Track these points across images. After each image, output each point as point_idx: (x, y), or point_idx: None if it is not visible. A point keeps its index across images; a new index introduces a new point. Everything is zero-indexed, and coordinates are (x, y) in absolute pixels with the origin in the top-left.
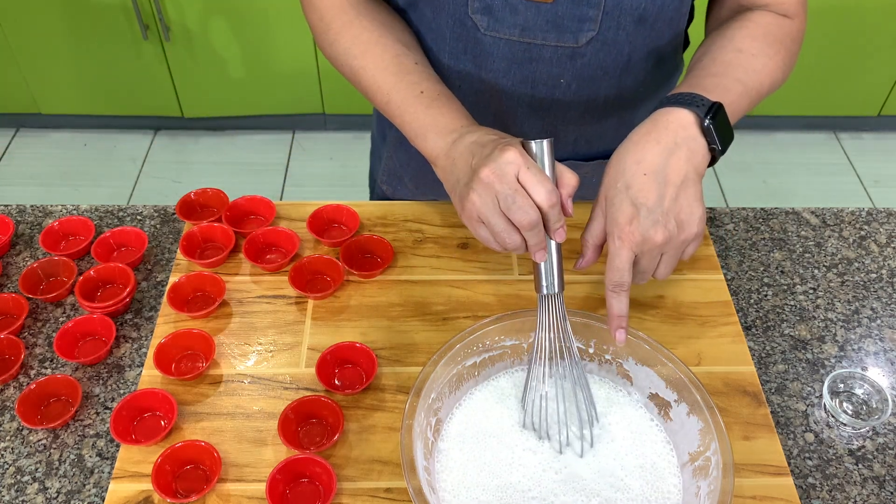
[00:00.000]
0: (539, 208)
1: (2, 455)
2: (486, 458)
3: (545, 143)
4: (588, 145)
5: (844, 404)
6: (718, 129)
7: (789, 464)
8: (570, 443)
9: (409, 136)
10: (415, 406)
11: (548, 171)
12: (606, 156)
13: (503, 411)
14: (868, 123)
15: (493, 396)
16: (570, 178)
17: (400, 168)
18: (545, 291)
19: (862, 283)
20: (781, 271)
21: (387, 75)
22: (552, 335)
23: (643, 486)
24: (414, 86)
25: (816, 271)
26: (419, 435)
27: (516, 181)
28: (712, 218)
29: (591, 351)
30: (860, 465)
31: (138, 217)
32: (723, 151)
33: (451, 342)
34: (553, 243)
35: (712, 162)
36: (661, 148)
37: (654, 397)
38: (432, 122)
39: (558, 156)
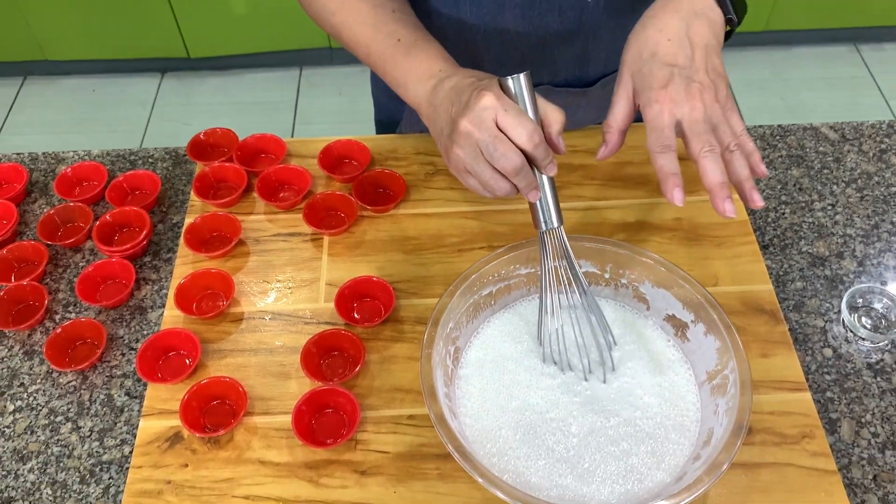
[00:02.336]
0: (523, 150)
1: (35, 397)
2: (505, 381)
3: (522, 77)
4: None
5: (863, 319)
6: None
7: (807, 379)
8: (593, 370)
9: (393, 87)
10: (433, 336)
11: (528, 108)
12: None
13: (521, 337)
14: (891, 34)
15: (511, 323)
16: (556, 116)
17: (423, 127)
18: (544, 228)
19: (882, 197)
20: (799, 188)
21: (364, 28)
22: (558, 269)
23: (661, 405)
24: (391, 35)
25: (835, 187)
26: (438, 363)
27: (495, 127)
28: None
29: (606, 276)
30: (878, 378)
31: (150, 160)
32: (739, 23)
33: (466, 273)
34: (545, 178)
35: (728, 35)
36: (681, 16)
37: (670, 319)
38: (411, 70)
39: (591, 76)
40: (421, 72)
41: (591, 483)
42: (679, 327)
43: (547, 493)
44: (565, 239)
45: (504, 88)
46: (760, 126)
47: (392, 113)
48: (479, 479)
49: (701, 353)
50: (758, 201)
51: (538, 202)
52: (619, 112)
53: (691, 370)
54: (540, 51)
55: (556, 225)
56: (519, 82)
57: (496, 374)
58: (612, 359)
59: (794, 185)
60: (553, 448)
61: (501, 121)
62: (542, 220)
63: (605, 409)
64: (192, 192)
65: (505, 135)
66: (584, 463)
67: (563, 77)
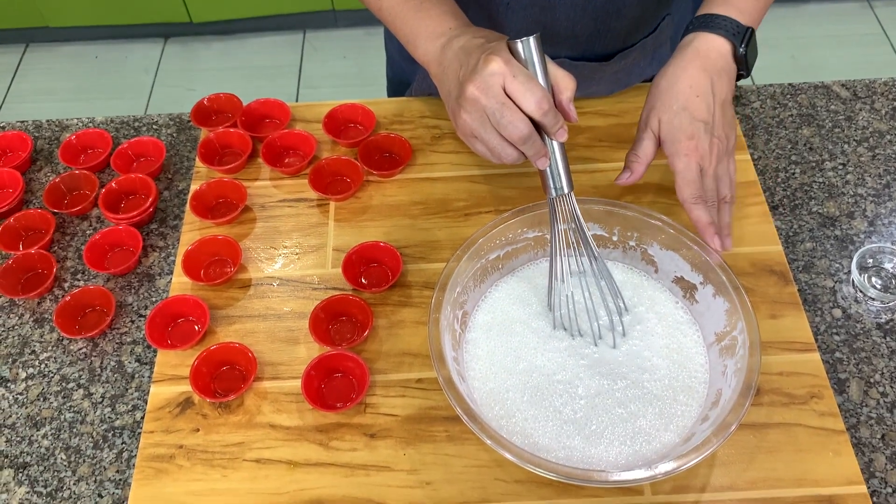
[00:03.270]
0: (531, 117)
1: (46, 364)
2: (513, 344)
3: (531, 40)
4: (638, 30)
5: (873, 279)
6: (749, 53)
7: (816, 340)
8: (603, 336)
9: (403, 44)
10: (440, 300)
11: (538, 73)
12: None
13: (528, 300)
14: None
15: (518, 287)
16: (567, 82)
17: (435, 89)
18: (554, 194)
19: (894, 156)
20: (810, 148)
21: None
22: (568, 234)
23: (670, 366)
24: None
25: (846, 146)
26: (446, 327)
27: (503, 94)
28: (738, 96)
29: (614, 238)
30: (888, 338)
31: (154, 126)
32: (748, 75)
33: (473, 237)
34: (555, 144)
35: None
36: (708, 74)
37: (679, 281)
38: (422, 27)
39: (608, 51)
40: (431, 29)
41: (599, 445)
42: (687, 289)
43: (555, 455)
44: (576, 204)
45: (513, 51)
46: (770, 85)
47: (404, 74)
48: (488, 441)
49: (709, 315)
50: (728, 246)
51: (548, 168)
52: (646, 148)
53: (700, 332)
54: (560, 23)
55: (566, 191)
56: (529, 45)
57: (504, 338)
58: (622, 324)
59: (805, 145)
60: (560, 410)
61: (509, 87)
62: (551, 185)
63: (612, 372)
64: (196, 159)
65: (513, 101)
66: (591, 425)
67: (582, 51)
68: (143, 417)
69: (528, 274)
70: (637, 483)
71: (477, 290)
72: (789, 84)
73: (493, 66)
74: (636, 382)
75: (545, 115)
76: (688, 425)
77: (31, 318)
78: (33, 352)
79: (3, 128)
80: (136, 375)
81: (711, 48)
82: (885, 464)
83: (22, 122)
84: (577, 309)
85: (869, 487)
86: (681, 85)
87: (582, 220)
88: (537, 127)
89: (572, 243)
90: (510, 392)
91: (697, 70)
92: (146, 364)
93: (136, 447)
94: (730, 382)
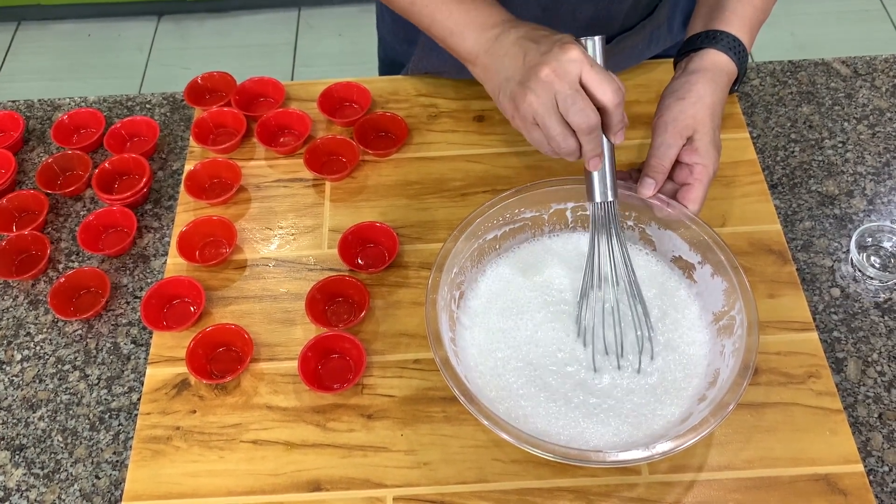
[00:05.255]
0: (604, 108)
1: (41, 346)
2: (510, 325)
3: (598, 39)
4: (636, 13)
5: (872, 258)
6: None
7: (814, 319)
8: (626, 355)
9: (441, 36)
10: (437, 281)
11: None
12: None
13: (526, 281)
14: None
15: (516, 267)
16: (621, 86)
17: (433, 70)
18: (598, 199)
19: (894, 134)
20: (809, 126)
21: None
22: (607, 245)
23: (667, 346)
24: None
25: (846, 124)
26: (443, 308)
27: (577, 82)
28: None
29: None
30: (886, 318)
31: (147, 106)
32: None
33: (470, 217)
34: (607, 147)
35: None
36: (722, 92)
37: (677, 260)
38: (469, 18)
39: (608, 33)
40: (481, 21)
41: (596, 424)
42: (686, 269)
43: (551, 435)
44: (617, 214)
45: None
46: (770, 62)
47: (397, 55)
48: (485, 422)
49: (708, 294)
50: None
51: (597, 172)
52: (666, 162)
53: (698, 311)
54: (562, 5)
55: (611, 198)
56: (595, 44)
57: (501, 318)
58: (651, 348)
59: (805, 123)
60: (557, 389)
61: (587, 76)
62: (596, 191)
63: (609, 352)
64: (190, 138)
65: (587, 91)
66: (588, 404)
67: (582, 35)
68: (139, 399)
69: (525, 255)
70: (634, 463)
71: (474, 270)
72: (789, 61)
73: (572, 54)
74: (633, 362)
75: (618, 106)
76: (685, 405)
77: (26, 300)
78: (28, 334)
79: None
80: (132, 357)
81: (722, 64)
82: (882, 443)
83: (14, 101)
84: (605, 319)
85: (866, 466)
86: (701, 112)
87: (622, 231)
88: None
89: (611, 253)
90: (507, 373)
91: (713, 85)
92: (142, 346)
93: (133, 429)
94: (728, 362)
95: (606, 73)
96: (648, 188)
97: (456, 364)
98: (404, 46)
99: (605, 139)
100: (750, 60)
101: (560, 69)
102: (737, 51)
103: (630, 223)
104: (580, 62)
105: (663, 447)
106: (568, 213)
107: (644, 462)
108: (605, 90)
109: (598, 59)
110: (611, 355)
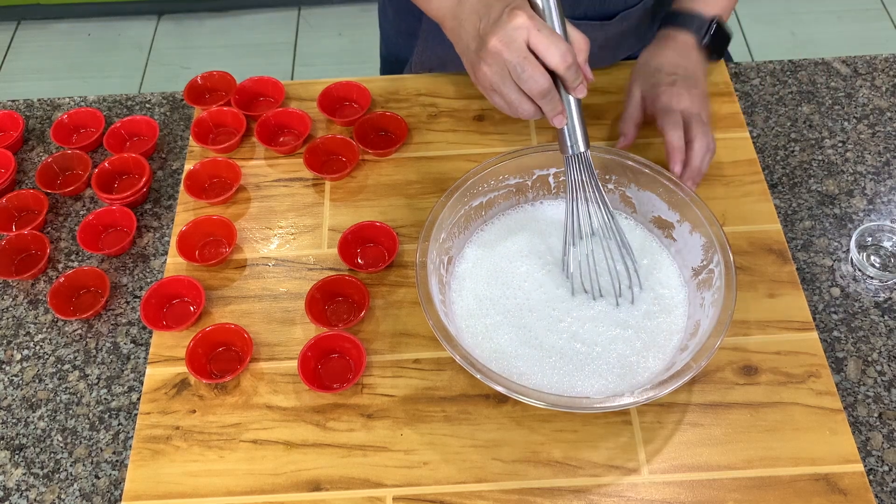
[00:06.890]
0: (555, 71)
1: (41, 346)
2: (498, 283)
3: None
4: None
5: (872, 258)
6: (714, 42)
7: (814, 319)
8: (623, 293)
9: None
10: (426, 247)
11: (557, 29)
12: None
13: (511, 244)
14: None
15: (501, 231)
16: (582, 43)
17: (436, 61)
18: (570, 152)
19: (894, 133)
20: (809, 125)
21: None
22: (584, 194)
23: (650, 300)
24: None
25: (846, 123)
26: (433, 272)
27: (526, 48)
28: (737, 73)
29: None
30: (886, 317)
31: (147, 105)
32: (721, 56)
33: (456, 184)
34: (573, 101)
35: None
36: (678, 54)
37: (657, 220)
38: None
39: (609, 10)
40: None
41: (583, 376)
42: (665, 227)
43: (540, 384)
44: (591, 162)
45: (532, 6)
46: (770, 62)
47: (400, 50)
48: (478, 375)
49: (687, 251)
50: (690, 187)
51: (565, 127)
52: (633, 113)
53: (678, 267)
54: None
55: (582, 149)
56: (549, 3)
57: (488, 280)
58: (639, 279)
59: (805, 122)
60: (544, 341)
61: (533, 41)
62: (568, 144)
63: (595, 305)
64: (190, 138)
65: (535, 56)
66: (576, 355)
67: (583, 10)
68: (139, 399)
69: (509, 222)
70: (622, 408)
71: (461, 236)
72: (789, 61)
73: (517, 21)
74: (618, 315)
75: (569, 68)
76: (668, 356)
77: (26, 300)
78: (28, 333)
79: None
80: (132, 357)
81: (679, 40)
82: (882, 442)
83: (13, 101)
84: (596, 271)
85: (865, 466)
86: (657, 59)
87: (598, 180)
88: (556, 85)
89: (589, 200)
90: (498, 329)
91: (670, 51)
92: (142, 345)
93: (133, 428)
94: (707, 313)
95: (553, 35)
96: (619, 145)
97: (447, 323)
98: (406, 40)
99: (569, 95)
100: (750, 60)
101: (506, 38)
102: (688, 23)
103: (610, 186)
104: (525, 28)
105: (650, 393)
106: (550, 179)
107: (632, 406)
108: (552, 54)
109: (555, 16)
110: (606, 296)
